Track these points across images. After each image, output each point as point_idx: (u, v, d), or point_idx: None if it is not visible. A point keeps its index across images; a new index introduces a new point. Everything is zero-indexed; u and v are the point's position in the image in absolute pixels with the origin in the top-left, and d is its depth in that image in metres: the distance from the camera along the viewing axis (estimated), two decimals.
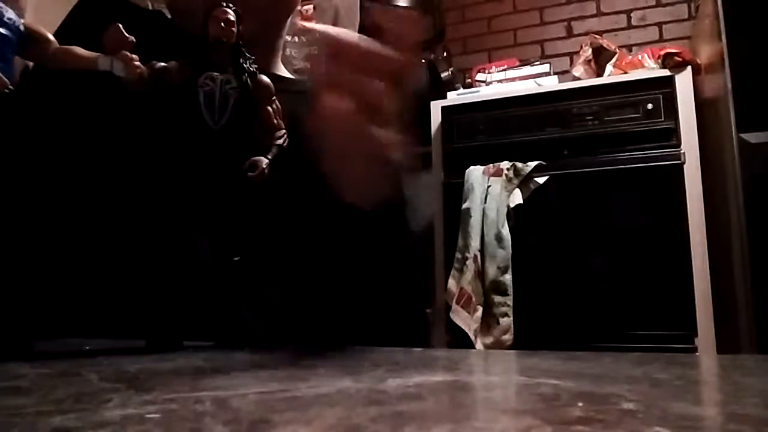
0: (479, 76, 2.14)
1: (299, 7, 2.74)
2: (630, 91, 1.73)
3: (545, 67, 2.04)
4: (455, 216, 1.82)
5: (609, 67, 1.90)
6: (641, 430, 0.17)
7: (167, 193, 0.42)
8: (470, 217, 1.76)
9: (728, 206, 1.51)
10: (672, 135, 1.67)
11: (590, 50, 2.01)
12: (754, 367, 0.33)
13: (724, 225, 1.54)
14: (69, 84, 0.53)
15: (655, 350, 1.51)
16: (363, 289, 0.56)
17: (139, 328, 0.44)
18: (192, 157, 0.41)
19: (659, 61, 1.78)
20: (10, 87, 0.33)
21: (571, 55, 2.35)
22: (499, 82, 2.05)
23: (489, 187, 1.76)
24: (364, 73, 0.34)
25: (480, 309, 1.70)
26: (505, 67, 2.13)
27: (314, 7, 2.62)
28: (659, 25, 2.30)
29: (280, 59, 0.74)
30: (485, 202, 1.75)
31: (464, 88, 2.17)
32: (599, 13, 2.40)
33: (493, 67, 2.15)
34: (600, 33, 2.20)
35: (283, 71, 0.73)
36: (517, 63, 2.19)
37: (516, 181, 1.75)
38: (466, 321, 1.71)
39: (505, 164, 1.77)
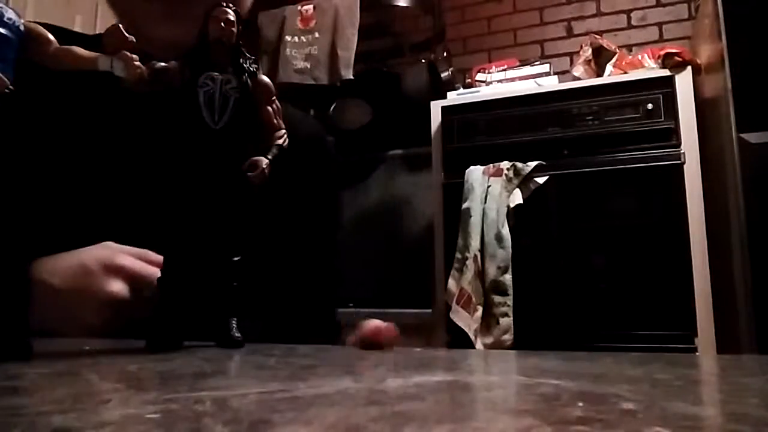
0: (479, 76, 2.14)
1: (299, 7, 2.74)
2: (630, 91, 1.73)
3: (545, 67, 2.04)
4: (455, 216, 1.82)
5: (609, 67, 1.90)
6: (641, 430, 0.17)
7: (166, 192, 0.42)
8: (470, 217, 1.76)
9: (728, 206, 1.51)
10: (672, 135, 1.67)
11: (590, 50, 2.01)
12: (754, 367, 0.33)
13: (724, 225, 1.54)
14: (69, 84, 0.53)
15: (655, 350, 1.50)
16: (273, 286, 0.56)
17: (140, 328, 0.44)
18: (192, 156, 0.41)
19: (659, 61, 1.78)
20: (11, 87, 0.33)
21: (571, 55, 2.35)
22: (499, 82, 2.06)
23: (489, 187, 1.76)
24: None
25: (480, 309, 1.70)
26: (505, 67, 2.13)
27: (314, 7, 2.62)
28: (659, 25, 2.30)
29: None
30: (485, 202, 1.75)
31: (464, 88, 2.17)
32: (599, 13, 2.40)
33: (493, 67, 2.15)
34: (600, 33, 2.20)
35: None
36: (517, 63, 2.19)
37: (516, 181, 1.75)
38: (466, 321, 1.71)
39: (505, 164, 1.77)
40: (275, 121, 0.44)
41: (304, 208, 0.61)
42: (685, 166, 1.64)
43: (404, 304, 2.04)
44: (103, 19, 2.33)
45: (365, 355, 0.37)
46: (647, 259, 1.64)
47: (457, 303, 1.74)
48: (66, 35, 0.64)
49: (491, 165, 1.79)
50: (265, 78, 0.44)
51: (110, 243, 0.50)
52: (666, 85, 1.70)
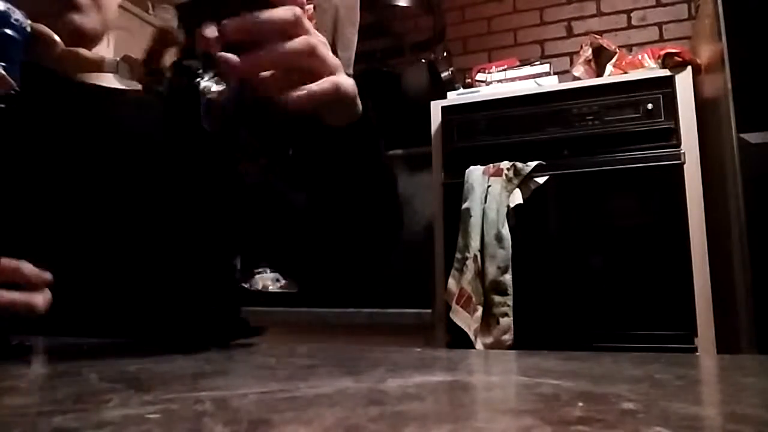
0: (479, 76, 2.14)
1: None
2: (630, 91, 1.73)
3: (545, 67, 2.04)
4: (455, 216, 1.82)
5: (609, 67, 1.90)
6: (641, 430, 0.17)
7: (165, 194, 0.42)
8: (470, 217, 1.76)
9: (728, 206, 1.51)
10: (672, 135, 1.67)
11: (590, 50, 2.01)
12: (754, 367, 0.33)
13: (724, 225, 1.54)
14: (64, 90, 0.53)
15: (655, 350, 1.50)
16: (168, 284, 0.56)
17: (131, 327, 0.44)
18: (189, 160, 0.42)
19: (659, 61, 1.78)
20: (17, 88, 0.33)
21: (571, 55, 2.35)
22: (499, 82, 2.06)
23: (489, 187, 1.76)
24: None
25: (480, 309, 1.70)
26: (505, 67, 2.13)
27: (314, 7, 2.62)
28: (659, 25, 2.30)
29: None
30: (485, 202, 1.75)
31: (464, 88, 2.17)
32: (599, 13, 2.40)
33: (493, 67, 2.15)
34: (600, 33, 2.20)
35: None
36: (517, 63, 2.19)
37: (516, 181, 1.75)
38: (466, 321, 1.71)
39: (505, 164, 1.77)
40: None
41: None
42: (685, 166, 1.64)
43: (404, 304, 2.04)
44: None
45: (365, 355, 0.37)
46: (647, 259, 1.64)
47: (457, 303, 1.74)
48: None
49: (491, 165, 1.79)
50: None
51: None
52: (666, 85, 1.70)
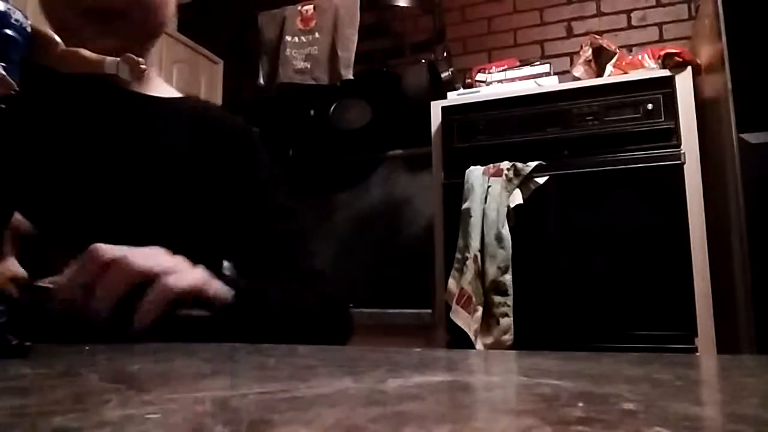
0: (479, 77, 2.14)
1: (299, 8, 2.73)
2: (630, 92, 1.73)
3: (545, 68, 2.04)
4: (455, 216, 1.82)
5: (609, 68, 1.90)
6: (641, 430, 0.17)
7: (174, 198, 0.44)
8: (470, 217, 1.76)
9: (728, 206, 1.51)
10: (672, 135, 1.67)
11: (590, 50, 2.01)
12: (754, 367, 0.33)
13: (724, 225, 1.54)
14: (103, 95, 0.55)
15: (655, 350, 1.51)
16: None
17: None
18: (202, 171, 0.43)
19: (659, 61, 1.78)
20: (17, 89, 0.33)
21: (571, 56, 2.35)
22: (499, 83, 2.06)
23: (489, 187, 1.76)
24: None
25: (480, 309, 1.70)
26: (505, 67, 2.13)
27: (314, 8, 2.62)
28: (659, 25, 2.30)
29: (155, 74, 0.75)
30: (485, 202, 1.75)
31: (464, 88, 2.17)
32: (599, 14, 2.40)
33: (493, 68, 2.15)
34: (600, 33, 2.20)
35: (160, 87, 0.74)
36: (517, 63, 2.19)
37: (516, 181, 1.75)
38: (466, 321, 1.71)
39: (505, 164, 1.77)
40: None
41: (232, 190, 0.67)
42: (685, 166, 1.64)
43: (404, 304, 2.04)
44: None
45: (365, 355, 0.37)
46: (647, 259, 1.64)
47: (457, 303, 1.74)
48: None
49: (491, 165, 1.79)
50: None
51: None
52: (666, 85, 1.70)
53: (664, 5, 2.30)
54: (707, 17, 1.67)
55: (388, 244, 2.40)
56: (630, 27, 2.34)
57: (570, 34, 2.43)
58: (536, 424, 0.17)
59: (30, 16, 0.36)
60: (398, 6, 2.36)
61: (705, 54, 1.76)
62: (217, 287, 0.52)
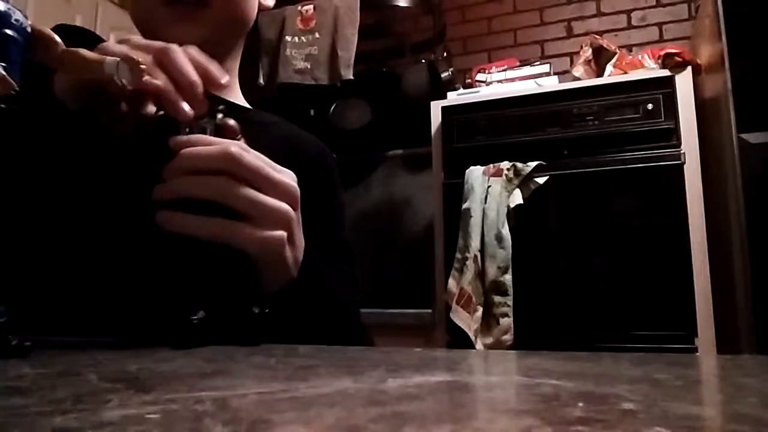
0: (479, 77, 2.14)
1: (299, 8, 2.73)
2: (630, 91, 1.73)
3: (545, 68, 2.04)
4: (455, 216, 1.82)
5: (609, 68, 1.91)
6: (641, 430, 0.17)
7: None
8: (470, 217, 1.76)
9: (728, 206, 1.51)
10: (672, 135, 1.67)
11: (590, 50, 2.01)
12: (754, 367, 0.33)
13: (724, 225, 1.54)
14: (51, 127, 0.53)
15: (655, 350, 1.51)
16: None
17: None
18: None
19: (659, 61, 1.78)
20: (17, 89, 0.33)
21: (571, 56, 2.35)
22: (499, 83, 2.06)
23: (489, 187, 1.76)
24: None
25: (480, 309, 1.70)
26: (505, 67, 2.13)
27: (314, 8, 2.62)
28: (659, 25, 2.30)
29: (236, 84, 0.75)
30: (485, 203, 1.75)
31: (464, 88, 2.17)
32: (599, 14, 2.40)
33: (493, 68, 2.15)
34: (600, 33, 2.20)
35: (239, 98, 0.74)
36: (517, 63, 2.19)
37: (516, 182, 1.75)
38: (466, 321, 1.71)
39: (505, 164, 1.77)
40: None
41: (312, 220, 0.61)
42: (685, 166, 1.64)
43: (404, 304, 2.05)
44: (104, 19, 2.33)
45: (365, 355, 0.37)
46: (647, 259, 1.64)
47: (457, 303, 1.74)
48: (83, 36, 0.65)
49: (491, 165, 1.79)
50: (232, 121, 0.46)
51: None
52: (666, 85, 1.70)
53: (664, 5, 2.30)
54: (707, 17, 1.67)
55: (388, 244, 2.40)
56: (630, 27, 2.35)
57: (570, 34, 2.43)
58: (536, 424, 0.17)
59: (30, 16, 0.36)
60: (398, 6, 2.36)
61: (705, 54, 1.76)
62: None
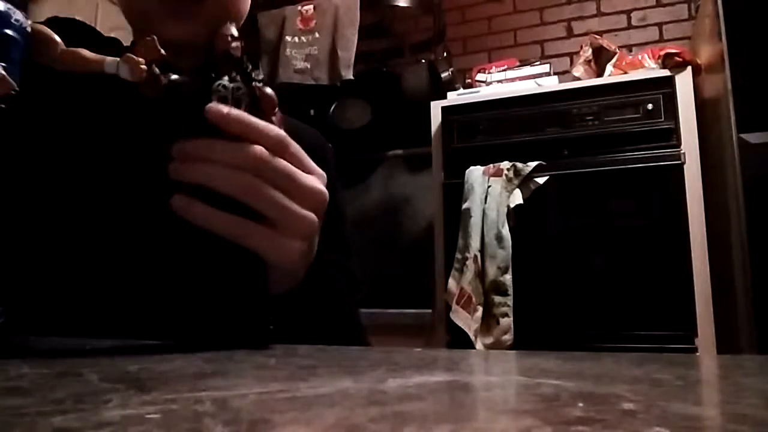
0: (479, 77, 2.14)
1: (299, 8, 2.73)
2: (630, 91, 1.73)
3: (545, 68, 2.04)
4: (455, 216, 1.82)
5: (609, 68, 1.91)
6: (641, 430, 0.17)
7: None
8: (470, 217, 1.76)
9: (728, 206, 1.51)
10: (672, 135, 1.67)
11: (590, 50, 2.01)
12: (754, 367, 0.33)
13: (724, 225, 1.54)
14: (81, 87, 0.53)
15: (655, 350, 1.51)
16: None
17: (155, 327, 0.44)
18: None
19: (659, 61, 1.78)
20: (17, 89, 0.33)
21: (571, 56, 2.35)
22: (499, 83, 2.06)
23: (489, 187, 1.76)
24: None
25: (480, 309, 1.70)
26: (505, 67, 2.13)
27: (314, 8, 2.62)
28: (659, 25, 2.30)
29: None
30: (485, 203, 1.75)
31: (464, 88, 2.17)
32: (599, 14, 2.40)
33: (493, 68, 2.15)
34: (600, 33, 2.20)
35: None
36: (517, 63, 2.19)
37: (516, 182, 1.75)
38: (466, 321, 1.71)
39: (505, 164, 1.77)
40: None
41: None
42: (685, 166, 1.64)
43: (404, 304, 2.04)
44: (104, 19, 2.33)
45: (365, 355, 0.37)
46: (647, 259, 1.64)
47: (457, 303, 1.74)
48: (86, 32, 0.64)
49: (491, 165, 1.80)
50: (270, 90, 0.44)
51: None
52: (666, 85, 1.70)
53: (664, 5, 2.30)
54: (707, 17, 1.67)
55: (388, 244, 2.40)
56: (630, 27, 2.35)
57: (570, 34, 2.43)
58: (536, 424, 0.17)
59: (30, 15, 0.36)
60: (398, 6, 2.36)
61: (705, 54, 1.76)
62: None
